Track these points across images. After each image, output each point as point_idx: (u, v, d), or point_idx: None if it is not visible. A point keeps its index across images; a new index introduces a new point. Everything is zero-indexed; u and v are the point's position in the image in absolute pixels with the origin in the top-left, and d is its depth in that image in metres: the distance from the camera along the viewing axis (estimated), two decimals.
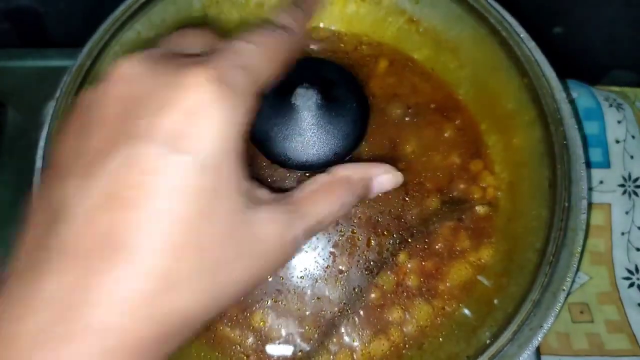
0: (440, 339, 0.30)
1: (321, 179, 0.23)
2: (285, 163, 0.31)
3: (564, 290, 0.28)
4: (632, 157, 0.45)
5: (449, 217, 0.32)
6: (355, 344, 0.30)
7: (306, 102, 0.30)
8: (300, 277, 0.31)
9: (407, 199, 0.32)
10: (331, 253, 0.31)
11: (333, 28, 0.38)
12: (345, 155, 0.31)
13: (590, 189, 0.44)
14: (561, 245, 0.29)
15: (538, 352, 0.39)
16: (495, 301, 0.30)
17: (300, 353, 0.30)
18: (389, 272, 0.31)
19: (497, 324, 0.28)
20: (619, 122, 0.45)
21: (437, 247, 0.32)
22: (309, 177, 0.32)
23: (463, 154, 0.34)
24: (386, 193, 0.32)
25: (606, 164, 0.45)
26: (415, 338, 0.31)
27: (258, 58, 0.20)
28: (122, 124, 0.18)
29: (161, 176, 0.17)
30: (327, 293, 0.31)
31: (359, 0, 0.37)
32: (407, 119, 0.34)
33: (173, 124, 0.17)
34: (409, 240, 0.32)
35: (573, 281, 0.28)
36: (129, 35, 0.34)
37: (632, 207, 0.44)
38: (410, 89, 0.35)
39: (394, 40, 0.37)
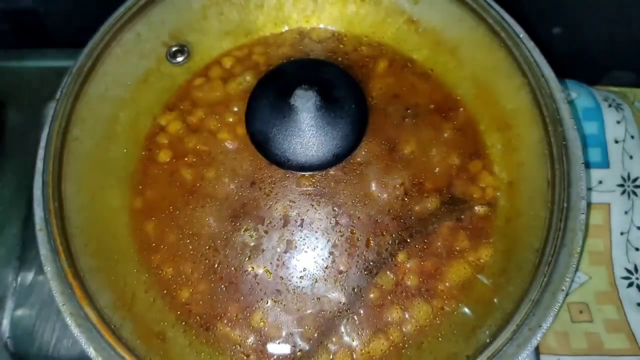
0: (440, 338, 0.31)
1: None
2: (285, 164, 0.31)
3: (563, 290, 0.28)
4: (631, 157, 0.45)
5: (448, 217, 0.32)
6: (355, 343, 0.31)
7: (305, 103, 0.30)
8: (300, 277, 0.31)
9: (406, 199, 0.32)
10: (331, 253, 0.31)
11: (333, 29, 0.38)
12: (345, 156, 0.31)
13: (589, 189, 0.44)
14: (560, 246, 0.29)
15: (537, 351, 0.39)
16: (495, 301, 0.30)
17: (300, 353, 0.30)
18: (388, 272, 0.31)
19: (496, 324, 0.28)
20: (618, 122, 0.45)
21: (436, 247, 0.32)
22: (308, 178, 0.32)
23: (462, 154, 0.34)
24: (386, 193, 0.32)
25: (605, 164, 0.45)
26: (415, 338, 0.31)
27: None
28: None
29: None
30: (326, 293, 0.31)
31: (358, 0, 0.37)
32: (406, 119, 0.34)
33: None
34: (408, 240, 0.32)
35: (572, 281, 0.28)
36: (129, 36, 0.34)
37: (631, 207, 0.44)
38: (410, 89, 0.35)
39: (393, 41, 0.37)
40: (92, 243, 0.31)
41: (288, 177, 0.32)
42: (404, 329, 0.31)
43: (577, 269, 0.36)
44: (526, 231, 0.31)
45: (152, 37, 0.35)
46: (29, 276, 0.40)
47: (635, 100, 0.48)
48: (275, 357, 0.30)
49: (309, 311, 0.31)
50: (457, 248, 0.32)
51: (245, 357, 0.31)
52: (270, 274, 0.31)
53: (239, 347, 0.31)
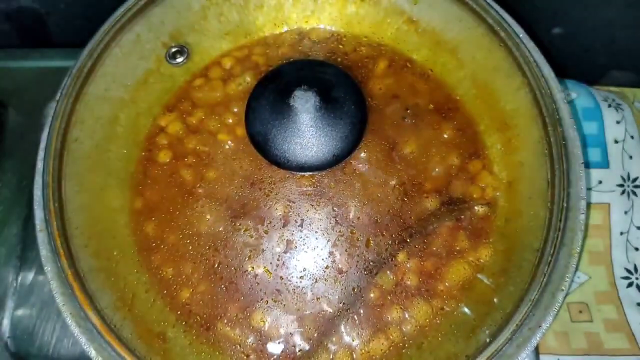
0: (439, 338, 0.31)
1: None
2: (285, 164, 0.31)
3: (562, 290, 0.28)
4: (630, 157, 0.45)
5: (448, 217, 0.32)
6: (355, 343, 0.31)
7: (305, 104, 0.30)
8: (300, 277, 0.31)
9: (406, 199, 0.32)
10: (331, 253, 0.31)
11: (332, 29, 0.38)
12: (344, 156, 0.31)
13: (589, 189, 0.44)
14: (560, 245, 0.29)
15: (537, 351, 0.39)
16: (495, 301, 0.30)
17: (300, 353, 0.30)
18: (388, 272, 0.31)
19: (496, 324, 0.28)
20: (617, 122, 0.45)
21: (436, 247, 0.32)
22: (308, 178, 0.32)
23: (462, 154, 0.34)
24: (386, 193, 0.32)
25: (605, 164, 0.45)
26: (415, 338, 0.31)
27: None
28: None
29: None
30: (326, 293, 0.31)
31: (358, 1, 0.37)
32: (405, 119, 0.34)
33: None
34: (408, 240, 0.32)
35: (572, 281, 0.28)
36: (129, 37, 0.34)
37: (631, 206, 0.44)
38: (409, 89, 0.35)
39: (393, 41, 0.37)
40: (92, 243, 0.31)
41: (288, 177, 0.32)
42: (403, 329, 0.31)
43: (576, 269, 0.36)
44: (526, 231, 0.31)
45: (152, 37, 0.35)
46: (29, 276, 0.40)
47: (635, 100, 0.48)
48: (275, 357, 0.31)
49: (309, 311, 0.31)
50: (457, 248, 0.32)
51: (245, 357, 0.31)
52: (270, 274, 0.31)
53: (239, 347, 0.31)
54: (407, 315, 0.31)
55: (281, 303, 0.31)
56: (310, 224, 0.32)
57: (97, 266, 0.31)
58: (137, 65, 0.35)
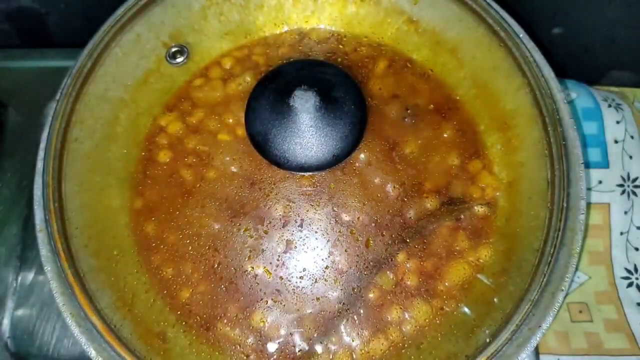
0: (439, 338, 0.31)
1: None
2: (284, 165, 0.31)
3: (562, 290, 0.28)
4: (630, 157, 0.45)
5: (448, 217, 0.32)
6: (355, 343, 0.31)
7: (305, 104, 0.30)
8: (300, 277, 0.31)
9: (406, 199, 0.32)
10: (331, 253, 0.31)
11: (332, 29, 0.38)
12: (344, 157, 0.31)
13: (589, 189, 0.44)
14: (560, 246, 0.29)
15: (537, 351, 0.39)
16: (495, 301, 0.30)
17: (300, 353, 0.30)
18: (388, 272, 0.31)
19: (496, 324, 0.28)
20: (617, 122, 0.45)
21: (436, 247, 0.32)
22: (308, 178, 0.32)
23: (462, 154, 0.34)
24: (385, 193, 0.32)
25: (605, 164, 0.45)
26: (414, 338, 0.31)
27: None
28: None
29: None
30: (326, 293, 0.31)
31: (358, 1, 0.37)
32: (406, 119, 0.34)
33: None
34: (408, 240, 0.32)
35: (572, 281, 0.28)
36: (129, 37, 0.34)
37: (631, 206, 0.44)
38: (409, 89, 0.35)
39: (393, 41, 0.37)
40: (92, 243, 0.31)
41: (288, 177, 0.32)
42: (403, 329, 0.31)
43: (576, 269, 0.36)
44: (526, 231, 0.31)
45: (152, 37, 0.35)
46: (29, 276, 0.41)
47: (635, 100, 0.48)
48: (275, 357, 0.31)
49: (308, 311, 0.31)
50: (457, 248, 0.32)
51: (245, 357, 0.31)
52: (270, 274, 0.31)
53: (239, 347, 0.31)
54: (407, 315, 0.31)
55: (281, 303, 0.31)
56: (310, 224, 0.32)
57: (97, 266, 0.31)
58: (137, 65, 0.35)
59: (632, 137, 0.45)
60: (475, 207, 0.33)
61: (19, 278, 0.40)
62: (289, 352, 0.31)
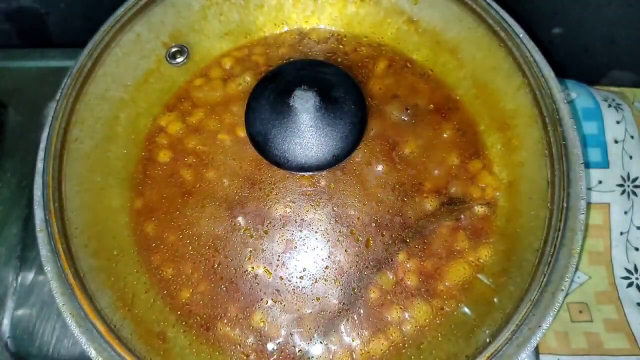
0: (439, 338, 0.31)
1: None
2: (284, 165, 0.31)
3: (562, 290, 0.28)
4: (630, 157, 0.45)
5: (448, 217, 0.32)
6: (355, 343, 0.31)
7: (305, 104, 0.30)
8: (300, 277, 0.31)
9: (406, 199, 0.32)
10: (331, 253, 0.31)
11: (332, 29, 0.38)
12: (344, 157, 0.31)
13: (589, 189, 0.44)
14: (560, 246, 0.29)
15: (537, 351, 0.39)
16: (495, 301, 0.30)
17: (300, 353, 0.30)
18: (388, 272, 0.31)
19: (496, 324, 0.28)
20: (617, 122, 0.45)
21: (436, 247, 0.32)
22: (308, 178, 0.32)
23: (462, 154, 0.34)
24: (385, 193, 0.32)
25: (605, 164, 0.45)
26: (414, 338, 0.31)
27: None
28: None
29: None
30: (326, 293, 0.31)
31: (358, 1, 0.37)
32: (406, 119, 0.34)
33: None
34: (408, 240, 0.32)
35: (572, 281, 0.28)
36: (129, 36, 0.34)
37: (631, 206, 0.44)
38: (409, 89, 0.35)
39: (393, 41, 0.37)
40: (92, 243, 0.31)
41: (288, 177, 0.32)
42: (403, 329, 0.31)
43: (576, 269, 0.36)
44: (526, 231, 0.31)
45: (152, 37, 0.35)
46: (29, 276, 0.41)
47: (635, 100, 0.48)
48: (275, 357, 0.31)
49: (308, 311, 0.31)
50: (457, 248, 0.32)
51: (245, 357, 0.31)
52: (270, 274, 0.31)
53: (239, 347, 0.31)
54: (407, 315, 0.31)
55: (281, 303, 0.31)
56: (310, 224, 0.32)
57: (97, 266, 0.31)
58: (137, 65, 0.35)
59: (632, 137, 0.45)
60: (475, 207, 0.33)
61: (19, 278, 0.40)
62: (289, 352, 0.31)
